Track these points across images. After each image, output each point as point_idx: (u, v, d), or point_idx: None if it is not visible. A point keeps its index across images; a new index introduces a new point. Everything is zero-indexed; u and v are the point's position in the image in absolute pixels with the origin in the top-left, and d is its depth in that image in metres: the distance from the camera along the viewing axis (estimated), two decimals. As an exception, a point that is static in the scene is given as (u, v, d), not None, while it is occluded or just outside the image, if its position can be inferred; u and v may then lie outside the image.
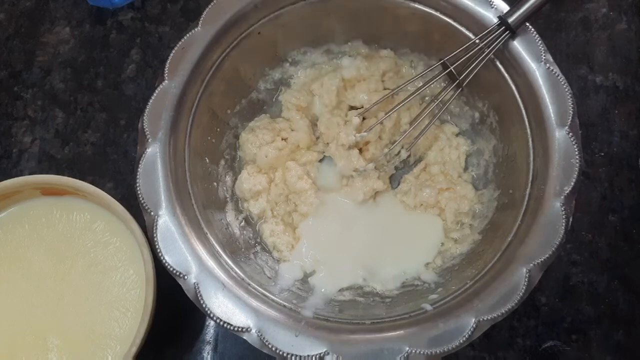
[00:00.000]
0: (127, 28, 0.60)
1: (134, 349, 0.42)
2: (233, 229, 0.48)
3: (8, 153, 0.57)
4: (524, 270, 0.39)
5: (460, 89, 0.47)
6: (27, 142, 0.57)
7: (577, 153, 0.41)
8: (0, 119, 0.58)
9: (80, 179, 0.47)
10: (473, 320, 0.38)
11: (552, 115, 0.43)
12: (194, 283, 0.39)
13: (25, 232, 0.48)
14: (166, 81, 0.44)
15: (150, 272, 0.43)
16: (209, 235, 0.43)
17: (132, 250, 0.47)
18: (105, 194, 0.46)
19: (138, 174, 0.42)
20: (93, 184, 0.47)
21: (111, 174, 0.55)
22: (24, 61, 0.60)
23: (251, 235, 0.50)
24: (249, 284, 0.41)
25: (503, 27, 0.43)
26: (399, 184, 0.52)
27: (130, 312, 0.46)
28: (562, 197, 0.40)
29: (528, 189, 0.42)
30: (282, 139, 0.52)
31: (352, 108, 0.54)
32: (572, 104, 0.42)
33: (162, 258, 0.40)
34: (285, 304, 0.40)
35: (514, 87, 0.45)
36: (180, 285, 0.40)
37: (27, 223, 0.49)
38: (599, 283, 0.51)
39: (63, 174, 0.47)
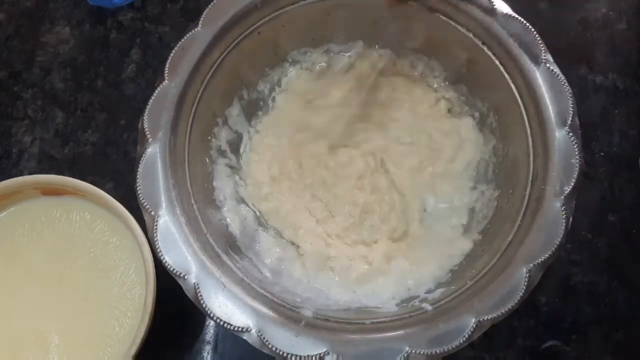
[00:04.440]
0: (127, 28, 0.61)
1: (134, 349, 0.42)
2: (233, 229, 0.48)
3: (8, 153, 0.57)
4: (524, 270, 0.39)
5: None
6: (27, 142, 0.57)
7: (577, 153, 0.41)
8: (0, 119, 0.58)
9: (80, 179, 0.47)
10: (473, 320, 0.38)
11: (552, 115, 0.42)
12: (194, 283, 0.39)
13: (25, 232, 0.48)
14: (166, 81, 0.44)
15: (150, 272, 0.44)
16: (208, 235, 0.42)
17: (132, 250, 0.47)
18: (105, 193, 0.46)
19: (138, 174, 0.42)
20: (93, 184, 0.47)
21: (111, 174, 0.55)
22: (24, 61, 0.60)
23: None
24: (249, 284, 0.41)
25: None
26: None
27: (131, 311, 0.46)
28: (562, 197, 0.40)
29: (528, 189, 0.42)
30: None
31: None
32: (572, 103, 0.42)
33: (162, 258, 0.40)
34: (285, 304, 0.40)
35: (513, 87, 0.45)
36: (180, 285, 0.40)
37: (27, 223, 0.49)
38: (599, 283, 0.52)
39: (63, 174, 0.47)
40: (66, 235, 0.48)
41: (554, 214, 0.40)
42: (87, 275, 0.47)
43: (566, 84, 0.43)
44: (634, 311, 0.51)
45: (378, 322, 0.39)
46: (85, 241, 0.48)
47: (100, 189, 0.46)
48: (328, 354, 0.37)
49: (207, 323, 0.51)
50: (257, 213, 0.50)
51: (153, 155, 0.43)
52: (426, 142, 0.52)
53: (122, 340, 0.45)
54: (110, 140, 0.57)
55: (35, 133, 0.57)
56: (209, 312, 0.38)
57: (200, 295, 0.39)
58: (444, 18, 0.47)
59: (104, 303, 0.46)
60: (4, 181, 0.47)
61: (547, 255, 0.39)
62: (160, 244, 0.40)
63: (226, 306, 0.39)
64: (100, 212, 0.48)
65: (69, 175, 0.47)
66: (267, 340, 0.38)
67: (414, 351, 0.37)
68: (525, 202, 0.42)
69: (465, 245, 0.47)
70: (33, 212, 0.49)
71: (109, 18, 0.61)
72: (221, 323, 0.38)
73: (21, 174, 0.55)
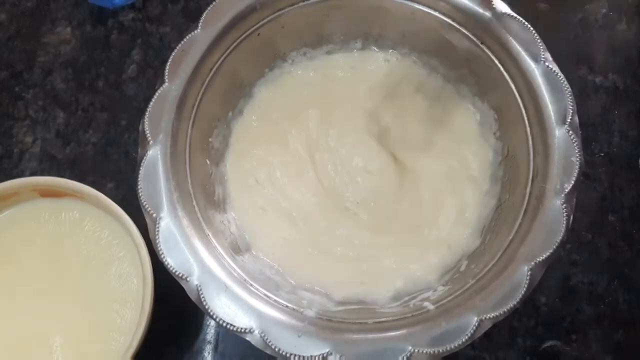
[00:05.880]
0: (128, 28, 0.61)
1: (131, 351, 0.42)
2: (234, 230, 0.48)
3: (9, 153, 0.57)
4: (526, 268, 0.39)
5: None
6: (28, 142, 0.57)
7: (577, 151, 0.41)
8: (1, 119, 0.58)
9: (81, 179, 0.47)
10: (475, 319, 0.38)
11: (551, 113, 0.43)
12: (197, 285, 0.39)
13: (21, 234, 0.48)
14: (166, 84, 0.44)
15: (148, 275, 0.44)
16: (210, 236, 0.42)
17: (125, 243, 0.47)
18: (102, 195, 0.46)
19: (139, 176, 0.42)
20: (94, 185, 0.47)
21: (112, 174, 0.55)
22: (25, 61, 0.60)
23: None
24: (252, 285, 0.41)
25: None
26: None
27: (129, 303, 0.46)
28: (563, 195, 0.41)
29: (528, 188, 0.42)
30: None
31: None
32: (572, 102, 0.43)
33: (164, 260, 0.40)
34: (287, 304, 0.40)
35: (513, 86, 0.45)
36: (180, 284, 0.40)
37: (24, 225, 0.49)
38: (599, 283, 0.52)
39: (64, 174, 0.48)
40: (59, 235, 0.48)
41: (555, 212, 0.40)
42: (83, 273, 0.47)
43: (565, 82, 0.43)
44: (634, 311, 0.51)
45: (380, 321, 0.39)
46: (77, 239, 0.48)
47: (102, 189, 0.46)
48: (331, 354, 0.37)
49: (207, 322, 0.51)
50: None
51: (154, 157, 0.43)
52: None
53: (125, 332, 0.45)
54: (111, 140, 0.57)
55: (37, 133, 0.57)
56: (211, 313, 0.39)
57: (203, 297, 0.39)
58: (443, 18, 0.48)
59: (103, 298, 0.46)
60: (1, 183, 0.47)
61: (548, 254, 0.39)
62: (162, 246, 0.40)
63: (229, 307, 0.39)
64: (96, 213, 0.48)
65: (70, 176, 0.47)
66: (270, 341, 0.38)
67: (416, 350, 0.37)
68: (525, 201, 0.42)
69: (467, 244, 0.47)
70: (30, 214, 0.49)
71: (110, 18, 0.61)
72: (224, 324, 0.38)
73: (22, 174, 0.55)
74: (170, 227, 0.41)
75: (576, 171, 0.41)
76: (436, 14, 0.48)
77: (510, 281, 0.39)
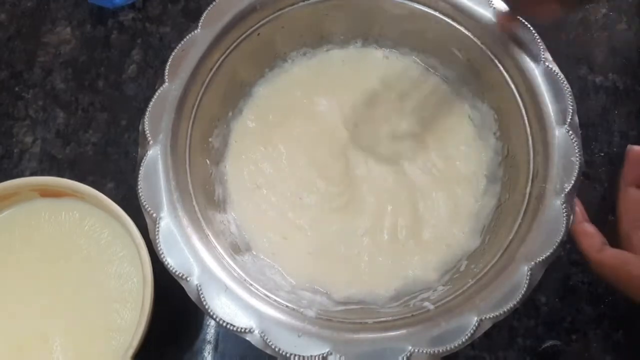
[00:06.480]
0: (128, 28, 0.61)
1: (131, 351, 0.42)
2: (234, 230, 0.48)
3: (9, 153, 0.57)
4: (526, 268, 0.39)
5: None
6: (28, 142, 0.57)
7: (577, 151, 0.41)
8: (1, 119, 0.58)
9: (81, 179, 0.47)
10: (475, 319, 0.38)
11: (551, 113, 0.43)
12: (197, 285, 0.39)
13: (21, 234, 0.48)
14: (166, 84, 0.44)
15: (148, 275, 0.44)
16: (210, 236, 0.42)
17: (125, 243, 0.47)
18: (102, 195, 0.46)
19: (139, 176, 0.42)
20: (94, 185, 0.47)
21: (112, 174, 0.55)
22: (25, 61, 0.60)
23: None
24: (252, 285, 0.41)
25: None
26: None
27: (130, 302, 0.46)
28: (563, 195, 0.41)
29: (528, 188, 0.42)
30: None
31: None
32: (572, 102, 0.43)
33: (164, 260, 0.40)
34: (287, 304, 0.40)
35: (513, 86, 0.45)
36: (180, 284, 0.40)
37: (23, 225, 0.49)
38: (599, 283, 0.51)
39: (64, 174, 0.48)
40: (59, 235, 0.48)
41: (555, 212, 0.40)
42: (84, 273, 0.47)
43: (565, 82, 0.43)
44: (634, 311, 0.51)
45: (380, 321, 0.39)
46: (77, 239, 0.48)
47: (102, 189, 0.46)
48: (331, 353, 0.38)
49: (207, 322, 0.51)
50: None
51: (154, 157, 0.43)
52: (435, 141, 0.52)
53: (125, 332, 0.45)
54: (111, 140, 0.57)
55: (37, 133, 0.57)
56: (211, 313, 0.39)
57: (203, 297, 0.39)
58: (443, 18, 0.48)
59: (103, 297, 0.46)
60: (1, 183, 0.47)
61: (548, 254, 0.39)
62: (162, 246, 0.40)
63: (229, 307, 0.39)
64: (90, 210, 0.48)
65: (70, 176, 0.47)
66: (270, 341, 0.38)
67: (416, 350, 0.37)
68: (525, 201, 0.42)
69: (467, 244, 0.47)
70: (30, 214, 0.49)
71: (110, 18, 0.61)
72: (224, 324, 0.38)
73: (22, 174, 0.55)
74: (170, 227, 0.41)
75: (576, 171, 0.41)
76: (436, 13, 0.48)
77: (510, 281, 0.39)
